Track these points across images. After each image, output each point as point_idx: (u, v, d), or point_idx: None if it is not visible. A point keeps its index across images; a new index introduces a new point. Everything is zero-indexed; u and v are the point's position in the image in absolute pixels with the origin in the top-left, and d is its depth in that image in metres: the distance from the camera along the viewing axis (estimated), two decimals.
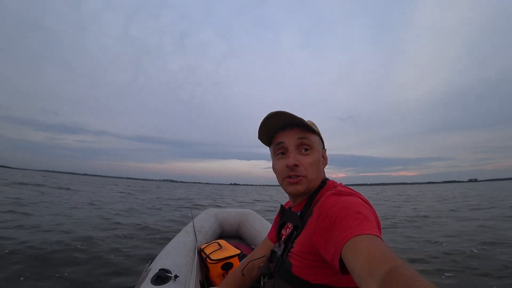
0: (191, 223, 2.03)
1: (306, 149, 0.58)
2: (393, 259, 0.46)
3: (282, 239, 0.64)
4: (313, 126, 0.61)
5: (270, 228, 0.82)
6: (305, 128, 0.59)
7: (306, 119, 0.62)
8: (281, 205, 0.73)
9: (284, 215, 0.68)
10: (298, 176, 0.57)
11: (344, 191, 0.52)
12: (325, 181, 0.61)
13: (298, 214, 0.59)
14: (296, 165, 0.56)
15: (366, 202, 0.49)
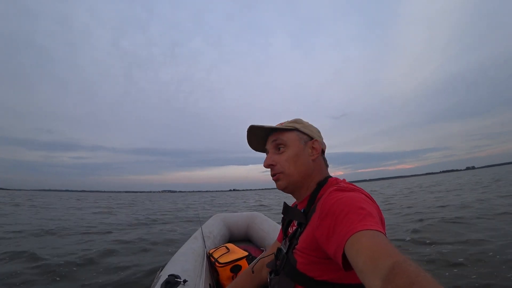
0: (200, 229, 2.04)
1: (280, 148, 0.64)
2: (396, 255, 0.46)
3: (288, 236, 0.65)
4: (291, 124, 0.65)
5: (278, 228, 0.83)
6: (278, 131, 0.65)
7: (299, 118, 0.69)
8: (284, 202, 0.73)
9: (287, 212, 0.69)
10: (276, 173, 0.63)
11: (347, 187, 0.52)
12: (327, 178, 0.63)
13: (302, 211, 0.60)
14: (271, 165, 0.64)
15: (369, 197, 0.49)
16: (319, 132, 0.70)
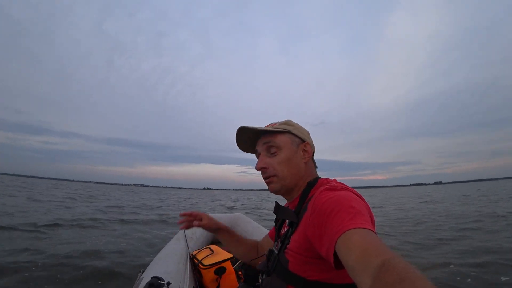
0: (182, 230, 1.97)
1: (273, 152, 0.64)
2: (386, 252, 0.47)
3: (280, 237, 0.65)
4: (283, 126, 0.66)
5: (262, 231, 0.85)
6: (269, 134, 0.64)
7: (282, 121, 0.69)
8: (276, 202, 0.73)
9: (279, 212, 0.69)
10: (269, 176, 0.64)
11: (338, 186, 0.53)
12: (317, 179, 0.63)
13: (293, 211, 0.60)
14: (263, 168, 0.64)
15: (359, 196, 0.50)
16: (309, 134, 0.70)
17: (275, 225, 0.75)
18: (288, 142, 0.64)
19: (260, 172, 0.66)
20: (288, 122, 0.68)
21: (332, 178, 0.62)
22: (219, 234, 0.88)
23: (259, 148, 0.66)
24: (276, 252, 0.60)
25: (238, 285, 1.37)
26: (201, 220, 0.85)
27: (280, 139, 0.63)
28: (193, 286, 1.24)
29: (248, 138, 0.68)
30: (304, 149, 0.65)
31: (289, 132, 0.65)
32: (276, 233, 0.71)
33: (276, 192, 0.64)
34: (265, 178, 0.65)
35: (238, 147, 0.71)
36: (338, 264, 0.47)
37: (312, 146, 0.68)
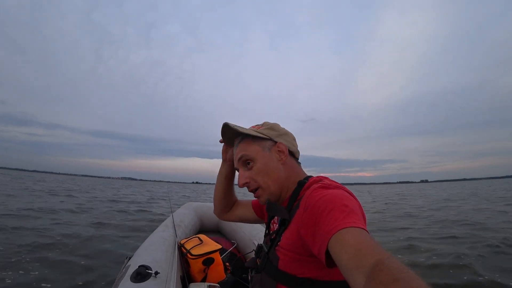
0: (170, 217, 1.97)
1: (248, 163, 0.63)
2: (380, 252, 0.46)
3: (270, 234, 0.65)
4: (267, 131, 0.65)
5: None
6: (246, 139, 0.64)
7: (269, 120, 0.71)
8: (268, 199, 0.72)
9: (270, 209, 0.68)
10: (254, 190, 0.63)
11: (331, 184, 0.53)
12: (308, 177, 0.62)
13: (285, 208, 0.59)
14: (246, 183, 0.63)
15: (352, 195, 0.50)
16: (294, 139, 0.69)
17: (266, 222, 0.74)
18: (259, 150, 0.63)
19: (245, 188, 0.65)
20: (273, 127, 0.67)
21: (324, 176, 0.62)
22: (225, 167, 0.82)
23: (237, 164, 0.66)
24: (266, 250, 0.60)
25: (225, 276, 1.39)
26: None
27: (252, 148, 0.63)
28: (181, 276, 1.24)
29: (230, 137, 0.68)
30: (278, 150, 0.64)
31: (259, 136, 0.64)
32: (266, 230, 0.71)
33: (268, 202, 0.64)
34: (252, 192, 0.64)
35: (224, 143, 0.73)
36: (329, 262, 0.47)
37: (289, 143, 0.67)
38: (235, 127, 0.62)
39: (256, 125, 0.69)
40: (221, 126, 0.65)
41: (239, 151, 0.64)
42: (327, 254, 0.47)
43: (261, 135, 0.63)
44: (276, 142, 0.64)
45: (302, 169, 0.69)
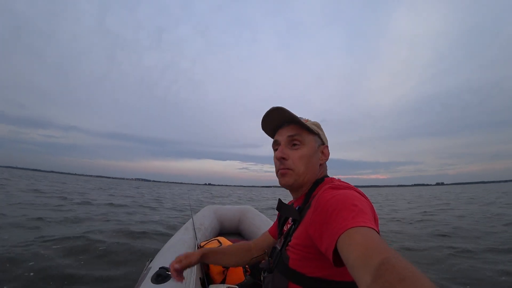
0: (191, 220, 2.02)
1: (295, 144, 0.62)
2: (387, 251, 0.47)
3: (283, 234, 0.66)
4: (313, 126, 0.65)
5: (269, 224, 0.83)
6: (300, 126, 0.63)
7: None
8: (279, 199, 0.74)
9: (282, 209, 0.69)
10: (285, 168, 0.62)
11: (341, 185, 0.54)
12: (323, 177, 0.63)
13: (297, 208, 0.60)
14: (283, 158, 0.62)
15: (363, 195, 0.50)
16: (327, 142, 0.71)
17: (278, 222, 0.76)
18: (313, 141, 0.64)
19: (274, 163, 0.65)
20: (317, 125, 0.68)
21: (336, 177, 0.63)
22: (205, 260, 0.80)
23: (281, 137, 0.64)
24: (279, 249, 0.61)
25: (244, 278, 1.38)
26: (180, 262, 0.74)
27: (306, 136, 0.63)
28: (200, 278, 1.25)
29: (273, 128, 0.67)
30: (322, 151, 0.66)
31: (316, 134, 0.65)
32: (279, 230, 0.72)
33: (288, 186, 0.63)
34: (280, 169, 0.63)
35: (262, 127, 0.69)
36: (337, 261, 0.48)
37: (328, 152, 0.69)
38: (291, 112, 0.61)
39: (304, 119, 0.69)
40: (270, 109, 0.62)
41: (291, 129, 0.63)
42: (335, 253, 0.48)
43: (314, 130, 0.64)
44: (324, 143, 0.67)
45: (327, 173, 0.69)
